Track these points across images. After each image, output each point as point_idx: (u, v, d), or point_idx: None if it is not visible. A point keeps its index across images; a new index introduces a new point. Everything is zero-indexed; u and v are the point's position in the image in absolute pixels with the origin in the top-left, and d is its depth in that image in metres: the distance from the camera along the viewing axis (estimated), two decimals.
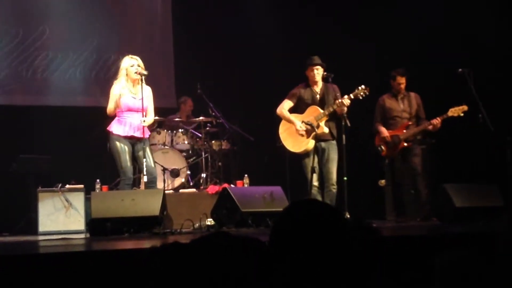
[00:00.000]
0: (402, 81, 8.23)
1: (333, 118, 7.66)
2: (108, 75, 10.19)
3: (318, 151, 7.62)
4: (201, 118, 9.40)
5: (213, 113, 9.40)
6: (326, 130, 7.60)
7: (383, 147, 8.19)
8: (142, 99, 7.24)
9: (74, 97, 10.14)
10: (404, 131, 8.15)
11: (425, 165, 8.33)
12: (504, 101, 8.69)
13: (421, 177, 8.12)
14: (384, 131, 8.17)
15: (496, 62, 9.08)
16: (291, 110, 7.75)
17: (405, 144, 8.12)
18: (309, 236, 1.69)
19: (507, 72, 8.99)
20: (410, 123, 8.19)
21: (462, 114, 7.90)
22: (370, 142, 8.66)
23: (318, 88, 7.75)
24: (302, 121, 7.58)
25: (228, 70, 10.26)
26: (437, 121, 7.96)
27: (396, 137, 8.13)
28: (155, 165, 7.55)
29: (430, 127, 8.05)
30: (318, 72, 7.66)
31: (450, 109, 7.92)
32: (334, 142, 7.67)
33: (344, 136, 7.38)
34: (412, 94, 8.30)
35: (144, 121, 7.24)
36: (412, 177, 8.13)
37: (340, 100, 7.42)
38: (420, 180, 8.10)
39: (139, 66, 7.34)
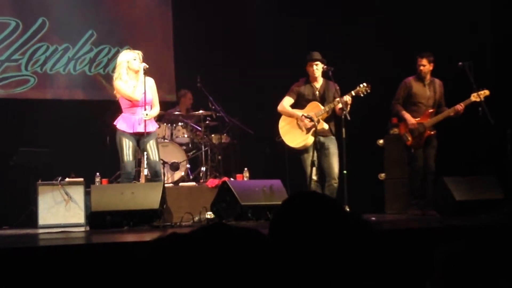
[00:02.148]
0: (421, 62, 7.92)
1: (332, 115, 7.65)
2: (108, 68, 10.20)
3: (317, 145, 7.61)
4: (201, 111, 9.39)
5: (213, 107, 9.40)
6: (326, 126, 7.60)
7: (408, 137, 7.95)
8: (145, 93, 7.22)
9: (74, 90, 10.14)
10: (429, 119, 7.91)
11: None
12: (504, 94, 8.68)
13: (432, 176, 7.94)
14: (411, 119, 7.89)
15: (496, 55, 9.08)
16: (292, 107, 7.74)
17: (430, 132, 7.91)
18: (308, 228, 1.68)
19: (507, 65, 8.99)
20: (433, 110, 7.96)
21: (483, 99, 7.70)
22: (370, 136, 8.66)
23: (318, 84, 7.74)
24: (302, 115, 7.58)
25: (228, 63, 10.25)
26: (460, 107, 7.77)
27: (421, 125, 7.88)
28: (159, 160, 7.55)
29: (453, 113, 7.84)
30: (318, 68, 7.63)
31: (472, 94, 7.72)
32: (334, 137, 7.66)
33: (344, 130, 7.37)
34: (437, 81, 8.05)
35: (146, 114, 7.21)
36: (424, 173, 7.96)
37: (338, 99, 7.40)
38: (431, 178, 7.93)
39: (140, 59, 7.35)
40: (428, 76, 8.01)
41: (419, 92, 7.99)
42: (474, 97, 7.73)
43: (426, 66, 7.94)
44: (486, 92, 7.73)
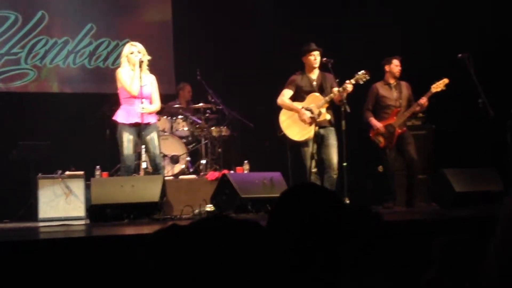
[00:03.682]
0: (398, 64, 8.16)
1: (331, 105, 7.65)
2: (108, 61, 10.20)
3: (317, 137, 7.61)
4: (200, 104, 9.39)
5: (213, 100, 9.39)
6: (328, 116, 7.59)
7: (380, 139, 8.08)
8: (141, 86, 7.22)
9: (73, 83, 10.14)
10: (395, 118, 8.06)
11: (419, 151, 8.24)
12: (504, 86, 8.68)
13: (417, 165, 8.06)
14: (376, 124, 8.06)
15: (496, 47, 9.06)
16: (291, 99, 7.73)
17: (400, 130, 8.04)
18: (306, 220, 1.69)
19: (507, 56, 8.98)
20: (399, 109, 8.10)
21: (444, 88, 7.87)
22: (369, 128, 8.65)
23: (314, 75, 7.73)
24: (302, 107, 7.58)
25: (228, 56, 10.23)
26: (423, 100, 7.91)
27: (390, 126, 8.03)
28: (160, 153, 7.56)
29: (418, 108, 8.01)
30: (317, 59, 7.64)
31: (432, 86, 7.89)
32: (333, 128, 7.66)
33: (343, 122, 7.38)
34: (403, 83, 8.24)
35: (142, 108, 7.22)
36: (408, 165, 8.06)
37: (339, 88, 7.40)
38: (416, 167, 8.04)
39: (139, 52, 7.32)
40: (395, 79, 8.21)
41: (386, 95, 8.19)
42: (434, 88, 7.91)
43: (399, 67, 8.17)
44: (445, 81, 7.89)
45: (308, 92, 7.67)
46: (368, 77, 7.54)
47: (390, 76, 8.22)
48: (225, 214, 7.00)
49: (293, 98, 7.72)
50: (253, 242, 1.43)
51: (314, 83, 7.70)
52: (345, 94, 7.37)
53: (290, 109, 7.70)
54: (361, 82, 7.54)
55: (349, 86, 7.38)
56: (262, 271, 1.41)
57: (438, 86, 7.87)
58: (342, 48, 8.75)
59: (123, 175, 7.33)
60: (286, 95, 7.72)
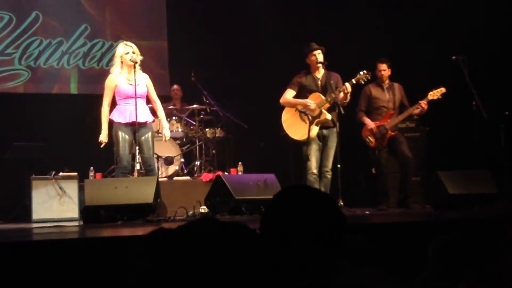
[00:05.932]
0: (381, 67, 8.16)
1: (334, 105, 7.62)
2: (102, 62, 10.19)
3: (320, 138, 7.60)
4: (195, 105, 9.38)
5: (207, 101, 9.38)
6: (329, 116, 7.56)
7: (371, 139, 8.09)
8: (135, 85, 7.20)
9: (67, 84, 10.13)
10: (389, 120, 8.07)
11: (413, 153, 8.24)
12: (498, 88, 8.70)
13: (412, 164, 8.09)
14: (370, 123, 8.08)
15: (490, 50, 9.09)
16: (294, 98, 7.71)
17: (392, 133, 8.07)
18: (298, 221, 1.69)
19: (501, 59, 9.00)
20: (393, 112, 8.12)
21: (440, 97, 7.88)
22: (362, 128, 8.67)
23: (320, 74, 7.71)
24: (297, 110, 7.57)
25: (222, 57, 10.23)
26: (426, 106, 7.89)
27: (383, 127, 8.04)
28: (153, 155, 7.56)
29: (417, 110, 7.97)
30: (320, 56, 7.63)
31: (429, 93, 7.89)
32: (335, 129, 7.61)
33: (337, 124, 7.39)
34: (396, 85, 8.24)
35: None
36: (403, 164, 8.07)
37: (339, 89, 7.41)
38: (411, 166, 8.06)
39: (133, 53, 7.31)
40: (387, 81, 8.23)
41: (379, 96, 8.21)
42: (431, 96, 7.92)
43: (386, 71, 8.19)
44: (442, 90, 7.90)
45: (312, 92, 7.64)
46: (369, 77, 7.61)
47: (378, 78, 8.22)
48: (219, 216, 7.01)
49: (297, 98, 7.69)
50: (241, 244, 1.43)
51: (319, 82, 7.68)
52: (348, 96, 7.39)
53: (295, 104, 7.65)
54: (363, 82, 7.60)
55: (347, 86, 7.38)
56: (251, 273, 1.40)
57: (435, 94, 7.87)
58: (340, 48, 8.76)
59: (118, 175, 7.31)
60: (288, 95, 7.70)
